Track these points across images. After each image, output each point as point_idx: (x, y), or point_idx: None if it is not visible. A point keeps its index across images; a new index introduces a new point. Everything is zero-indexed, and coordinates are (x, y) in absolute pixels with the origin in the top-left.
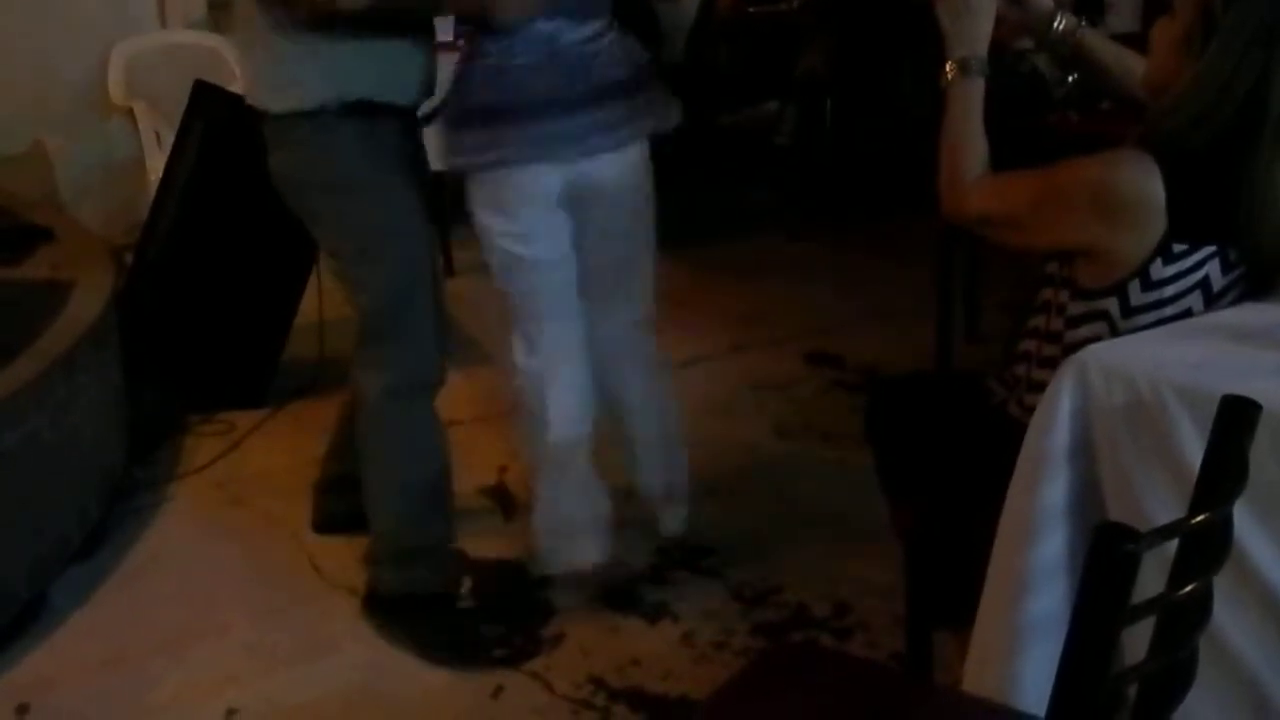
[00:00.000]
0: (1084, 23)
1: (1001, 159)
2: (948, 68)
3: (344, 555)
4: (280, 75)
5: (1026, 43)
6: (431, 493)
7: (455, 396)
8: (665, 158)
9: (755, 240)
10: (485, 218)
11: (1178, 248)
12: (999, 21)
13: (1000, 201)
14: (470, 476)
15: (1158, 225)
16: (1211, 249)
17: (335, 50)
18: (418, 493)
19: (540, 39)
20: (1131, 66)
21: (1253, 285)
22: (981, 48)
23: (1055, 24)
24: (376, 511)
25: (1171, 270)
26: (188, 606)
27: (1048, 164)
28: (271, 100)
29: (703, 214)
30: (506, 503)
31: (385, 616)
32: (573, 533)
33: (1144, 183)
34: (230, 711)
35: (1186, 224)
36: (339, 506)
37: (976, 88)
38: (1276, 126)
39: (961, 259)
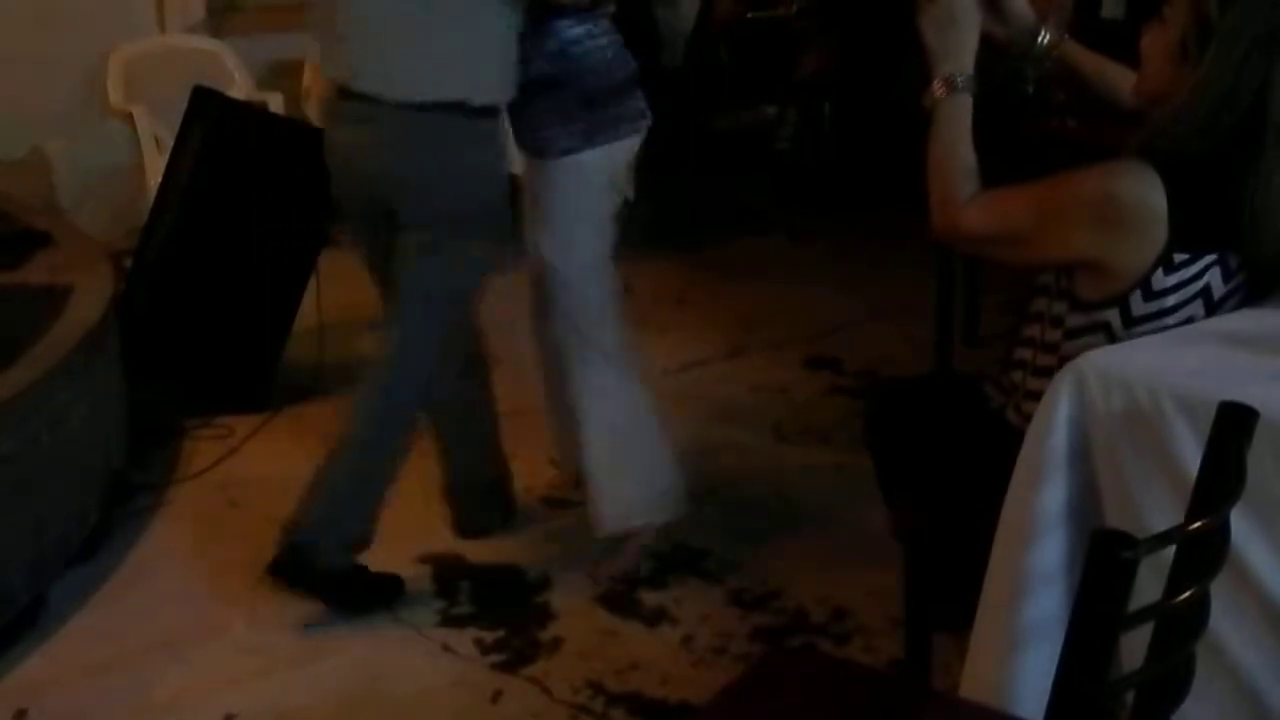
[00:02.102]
0: (1066, 36)
1: (1002, 163)
2: (934, 86)
3: None
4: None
5: None
6: None
7: None
8: (664, 160)
9: (754, 243)
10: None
11: (1179, 257)
12: (985, 36)
13: (999, 219)
14: None
15: (1159, 236)
16: (1212, 257)
17: None
18: None
19: None
20: (1114, 79)
21: (1253, 291)
22: (968, 63)
23: (1039, 39)
24: None
25: (1173, 280)
26: (187, 609)
27: (1043, 176)
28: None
29: (702, 217)
30: (506, 506)
31: None
32: None
33: (1146, 194)
34: (229, 715)
35: (1188, 233)
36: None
37: (964, 105)
38: (1278, 133)
39: (961, 262)
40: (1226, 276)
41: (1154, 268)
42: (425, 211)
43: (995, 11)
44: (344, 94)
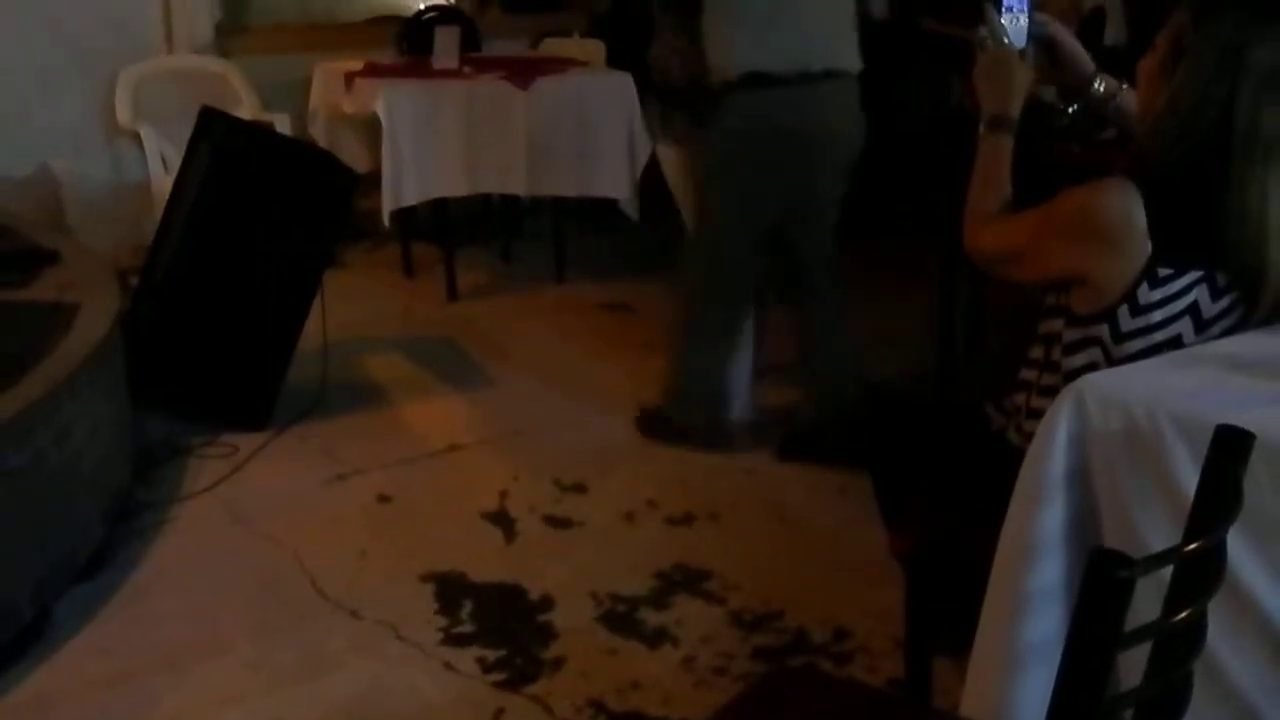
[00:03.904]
0: (1125, 86)
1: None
2: (981, 125)
3: (345, 574)
4: None
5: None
6: None
7: (457, 420)
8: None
9: None
10: None
11: (1163, 272)
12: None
13: (1005, 239)
14: (471, 500)
15: (1141, 249)
16: (1198, 274)
17: None
18: None
19: None
20: None
21: (1246, 313)
22: (1011, 107)
23: (1096, 85)
24: None
25: (1159, 295)
26: (190, 626)
27: (1048, 196)
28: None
29: None
30: (508, 526)
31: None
32: None
33: (1125, 208)
34: None
35: (1170, 247)
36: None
37: (1004, 144)
38: (1244, 145)
39: (964, 283)
40: (1215, 295)
41: (1138, 282)
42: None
43: (1053, 61)
44: (818, 76)
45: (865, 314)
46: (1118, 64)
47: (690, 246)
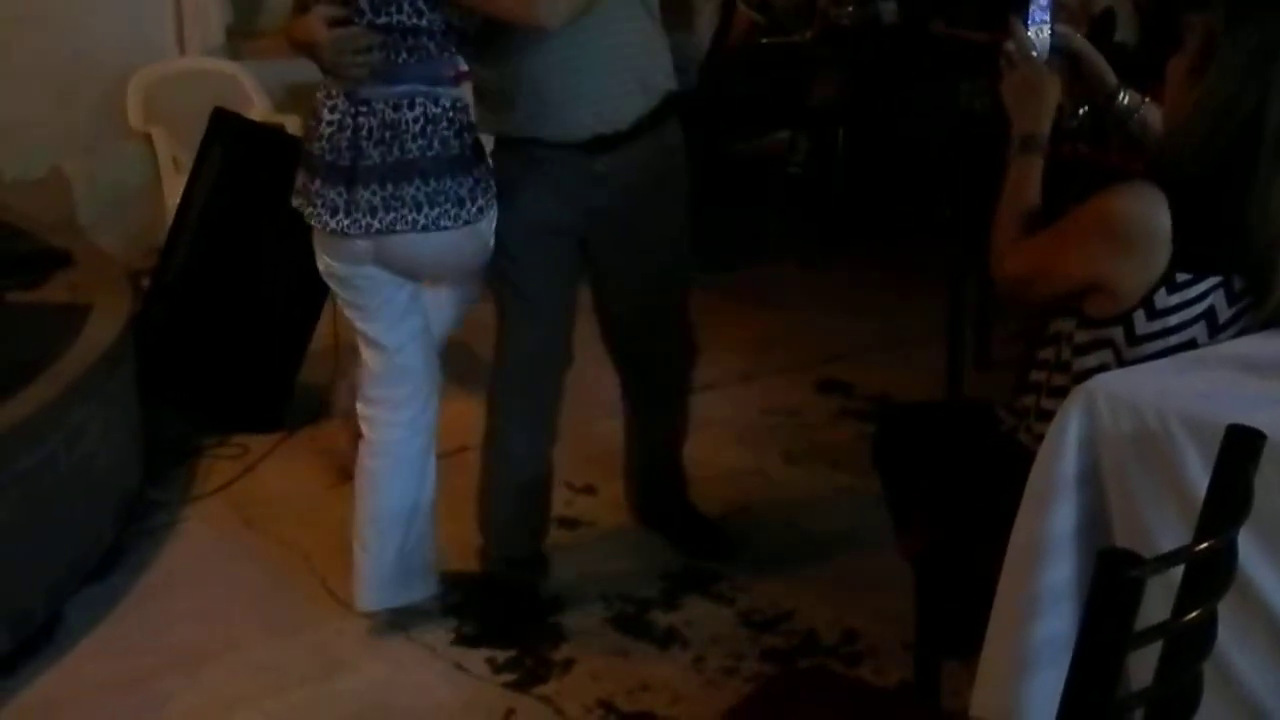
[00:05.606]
0: (1146, 99)
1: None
2: (1011, 145)
3: None
4: None
5: None
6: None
7: (467, 422)
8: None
9: (767, 268)
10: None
11: (1181, 277)
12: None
13: (1027, 260)
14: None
15: (1163, 254)
16: (1216, 279)
17: None
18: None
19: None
20: None
21: (1260, 316)
22: (1042, 125)
23: (1120, 99)
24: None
25: (1175, 299)
26: (201, 627)
27: (1056, 195)
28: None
29: (716, 242)
30: None
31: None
32: None
33: (1151, 212)
34: None
35: (1191, 252)
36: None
37: (1034, 164)
38: (1272, 149)
39: (973, 287)
40: (1231, 300)
41: (1157, 287)
42: None
43: (1078, 75)
44: None
45: (872, 316)
46: (1127, 63)
47: None
